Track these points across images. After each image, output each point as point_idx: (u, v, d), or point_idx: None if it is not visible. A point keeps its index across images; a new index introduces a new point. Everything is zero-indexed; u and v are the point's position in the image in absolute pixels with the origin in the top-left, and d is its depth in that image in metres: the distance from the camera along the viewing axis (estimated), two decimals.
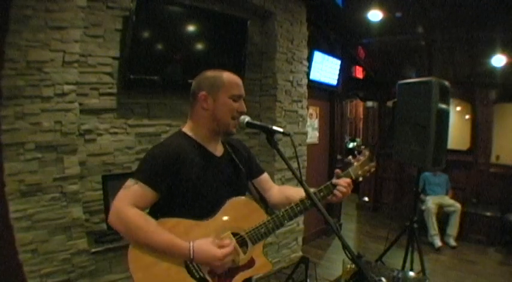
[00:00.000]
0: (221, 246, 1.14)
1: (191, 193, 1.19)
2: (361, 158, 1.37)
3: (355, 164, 1.35)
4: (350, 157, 1.38)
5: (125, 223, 1.09)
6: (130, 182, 1.14)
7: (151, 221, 1.13)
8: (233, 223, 1.22)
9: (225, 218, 1.22)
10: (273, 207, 1.34)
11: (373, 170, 1.39)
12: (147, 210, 1.22)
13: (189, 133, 1.29)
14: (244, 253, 1.22)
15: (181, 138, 1.27)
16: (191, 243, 1.11)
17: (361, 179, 1.37)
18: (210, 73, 1.29)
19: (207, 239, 1.14)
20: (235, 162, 1.35)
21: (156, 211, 1.21)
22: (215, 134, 1.30)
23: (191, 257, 1.11)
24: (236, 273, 1.20)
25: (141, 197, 1.13)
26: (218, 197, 1.23)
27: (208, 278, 1.16)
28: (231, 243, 1.17)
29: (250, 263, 1.23)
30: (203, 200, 1.21)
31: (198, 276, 1.15)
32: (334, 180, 1.29)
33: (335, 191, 1.27)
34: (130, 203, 1.10)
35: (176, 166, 1.17)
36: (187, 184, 1.18)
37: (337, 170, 1.33)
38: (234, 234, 1.22)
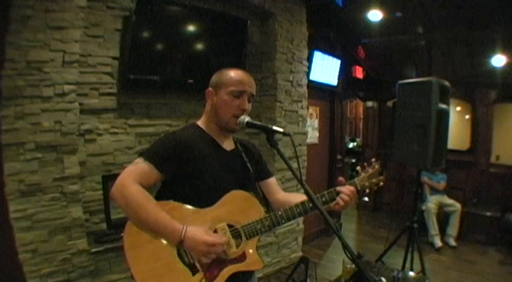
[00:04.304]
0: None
1: (195, 181, 1.22)
2: (370, 170, 1.34)
3: (363, 174, 1.33)
4: (358, 167, 1.35)
5: (126, 197, 1.13)
6: (139, 160, 1.20)
7: (152, 199, 1.16)
8: (230, 215, 1.24)
9: (223, 209, 1.23)
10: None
11: (381, 183, 1.36)
12: (153, 194, 1.25)
13: (202, 126, 1.35)
14: (237, 246, 1.22)
15: (193, 129, 1.33)
16: (185, 226, 1.14)
17: (367, 191, 1.34)
18: (222, 70, 1.33)
19: (202, 228, 1.17)
20: (244, 160, 1.37)
21: (161, 196, 1.25)
22: (221, 129, 1.32)
23: (182, 238, 1.12)
24: (226, 264, 1.21)
25: (147, 175, 1.17)
26: (222, 188, 1.25)
27: (197, 265, 1.17)
28: (224, 237, 1.18)
29: (242, 257, 1.23)
30: (206, 189, 1.23)
31: (187, 262, 1.17)
32: (338, 188, 1.28)
33: (338, 199, 1.26)
34: (135, 179, 1.15)
35: (184, 153, 1.21)
36: (192, 171, 1.22)
37: (341, 178, 1.33)
38: (230, 227, 1.23)
